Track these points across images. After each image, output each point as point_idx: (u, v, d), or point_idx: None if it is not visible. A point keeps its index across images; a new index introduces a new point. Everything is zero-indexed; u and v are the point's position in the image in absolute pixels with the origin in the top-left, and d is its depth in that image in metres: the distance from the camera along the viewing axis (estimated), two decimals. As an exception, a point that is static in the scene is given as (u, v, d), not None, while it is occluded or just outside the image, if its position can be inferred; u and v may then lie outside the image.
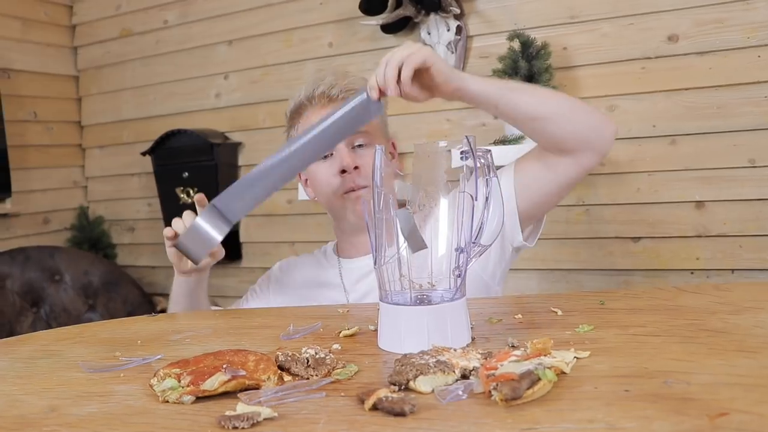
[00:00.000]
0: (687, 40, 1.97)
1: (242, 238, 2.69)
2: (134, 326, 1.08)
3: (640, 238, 2.07)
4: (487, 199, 0.89)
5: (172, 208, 2.61)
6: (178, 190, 2.62)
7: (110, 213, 3.02)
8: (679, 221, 2.01)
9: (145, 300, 2.45)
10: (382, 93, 1.06)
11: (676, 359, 0.71)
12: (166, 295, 2.79)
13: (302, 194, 2.33)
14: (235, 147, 2.70)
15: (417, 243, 0.85)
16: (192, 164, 2.59)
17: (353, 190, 1.32)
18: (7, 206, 2.63)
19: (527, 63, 1.99)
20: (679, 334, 0.81)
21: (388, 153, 1.41)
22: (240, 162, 2.72)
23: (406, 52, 1.05)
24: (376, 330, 0.93)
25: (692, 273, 2.01)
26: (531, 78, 1.98)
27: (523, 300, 1.12)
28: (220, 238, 1.10)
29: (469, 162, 0.88)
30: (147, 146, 2.71)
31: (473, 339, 0.86)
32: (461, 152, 0.89)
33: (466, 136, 0.87)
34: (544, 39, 2.06)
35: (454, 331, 0.83)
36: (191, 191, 2.61)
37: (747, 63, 1.90)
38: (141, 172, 2.90)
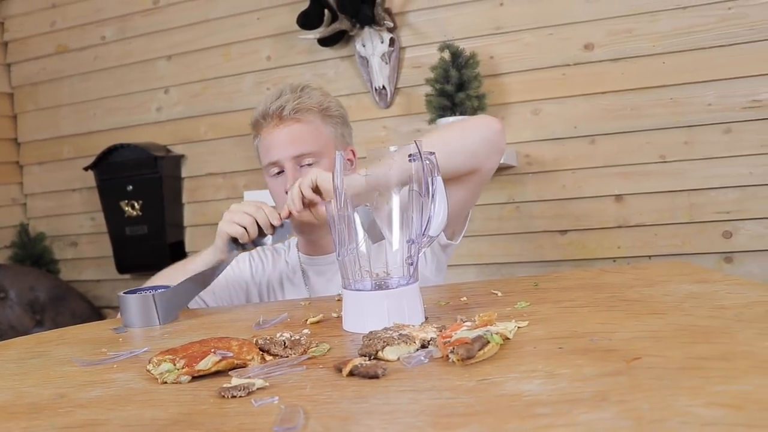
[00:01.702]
0: (601, 48, 2.15)
1: (188, 247, 2.74)
2: (110, 327, 1.14)
3: (566, 230, 2.24)
4: (433, 195, 1.01)
5: (116, 222, 2.64)
6: (123, 204, 2.65)
7: (52, 229, 3.01)
8: (601, 214, 2.19)
9: (94, 313, 2.47)
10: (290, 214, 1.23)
11: (601, 323, 0.83)
12: (113, 308, 2.82)
13: (248, 197, 2.42)
14: (178, 159, 2.74)
15: (376, 235, 0.96)
16: (136, 177, 2.63)
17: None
18: (-55, 226, 2.60)
19: (457, 72, 2.13)
20: (603, 305, 0.94)
21: (347, 161, 1.46)
22: (183, 174, 2.77)
23: (303, 182, 1.21)
24: (339, 317, 1.03)
25: (614, 261, 2.19)
26: (462, 86, 2.13)
27: (467, 286, 1.24)
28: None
29: (417, 164, 1.00)
30: (89, 161, 2.73)
31: (426, 318, 0.97)
32: (409, 155, 1.00)
33: (415, 141, 0.99)
34: (472, 49, 2.21)
35: (411, 312, 0.94)
36: (136, 204, 2.64)
37: (654, 68, 2.10)
38: (83, 187, 2.91)
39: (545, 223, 2.26)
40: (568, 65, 2.20)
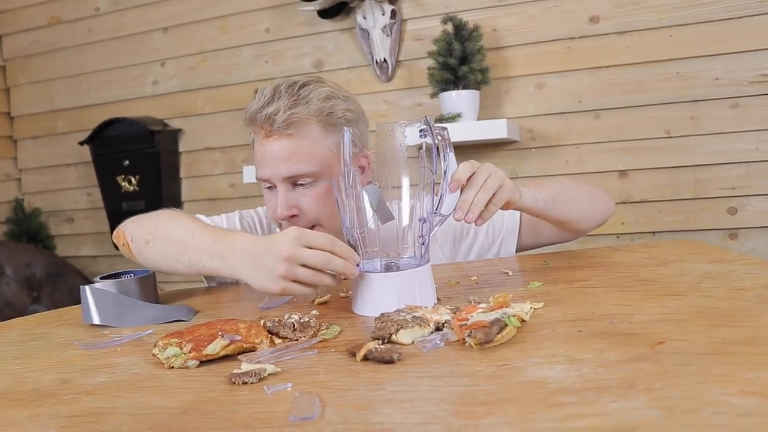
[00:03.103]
0: (607, 21, 2.11)
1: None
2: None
3: (570, 206, 2.21)
4: (445, 172, 0.98)
5: (113, 197, 2.60)
6: (120, 179, 2.61)
7: (47, 204, 2.98)
8: (605, 189, 2.14)
9: (92, 289, 2.44)
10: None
11: (617, 304, 0.82)
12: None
13: (246, 178, 2.38)
14: (175, 133, 2.70)
15: (385, 215, 0.93)
16: (133, 152, 2.59)
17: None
18: (-61, 202, 2.57)
19: (460, 45, 2.08)
20: (617, 285, 0.93)
21: (359, 168, 1.24)
22: (180, 148, 2.73)
23: (495, 182, 1.00)
24: (347, 297, 1.01)
25: (618, 237, 2.17)
26: (465, 59, 2.09)
27: (475, 264, 1.22)
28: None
29: (428, 139, 0.97)
30: (84, 135, 2.69)
31: (439, 299, 0.95)
32: (420, 130, 0.97)
33: (425, 116, 0.95)
34: (475, 21, 2.17)
35: (422, 293, 0.92)
36: (132, 179, 2.61)
37: (661, 42, 2.06)
38: (78, 162, 2.87)
39: (548, 199, 2.22)
40: (573, 38, 2.16)
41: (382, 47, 2.33)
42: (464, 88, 2.08)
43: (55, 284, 2.42)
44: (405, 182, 0.97)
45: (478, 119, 2.15)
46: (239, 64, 2.61)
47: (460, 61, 2.08)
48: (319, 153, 1.18)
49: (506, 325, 0.73)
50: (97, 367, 0.77)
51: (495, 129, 2.06)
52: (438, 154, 0.96)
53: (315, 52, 2.49)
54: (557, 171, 2.21)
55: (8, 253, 2.45)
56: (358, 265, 0.92)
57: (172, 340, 0.79)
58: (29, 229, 2.81)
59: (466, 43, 2.08)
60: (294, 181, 1.19)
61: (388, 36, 2.33)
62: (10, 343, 0.94)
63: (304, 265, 0.90)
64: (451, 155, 0.98)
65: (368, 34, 2.35)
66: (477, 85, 2.12)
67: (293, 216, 1.20)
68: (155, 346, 0.79)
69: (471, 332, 0.71)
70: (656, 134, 2.09)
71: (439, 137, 0.97)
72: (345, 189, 0.95)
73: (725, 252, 1.08)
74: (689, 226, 2.09)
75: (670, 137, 2.07)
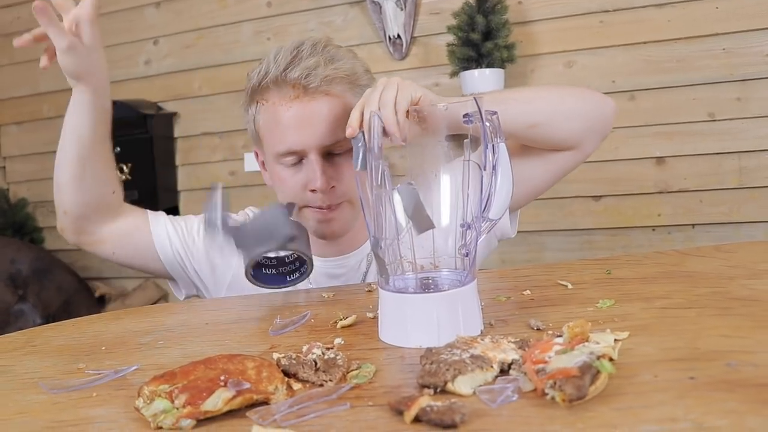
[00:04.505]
0: (645, -9, 1.96)
1: (183, 213, 2.56)
2: (92, 328, 0.94)
3: (601, 196, 2.07)
4: (494, 167, 0.80)
5: (104, 186, 2.45)
6: (111, 167, 2.45)
7: (34, 194, 2.86)
8: (640, 178, 2.03)
9: (82, 286, 2.29)
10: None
11: (724, 335, 0.66)
12: (103, 279, 2.64)
13: (248, 165, 2.23)
14: (170, 117, 2.59)
15: (423, 222, 0.74)
16: (124, 138, 2.43)
17: (321, 209, 1.10)
18: None
19: (484, 18, 1.92)
20: (711, 306, 0.76)
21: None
22: (176, 133, 2.62)
23: (392, 93, 0.90)
24: (375, 317, 0.83)
25: (653, 230, 2.03)
26: (489, 34, 1.92)
27: (522, 273, 1.05)
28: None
29: (474, 126, 0.79)
30: (72, 120, 2.52)
31: (491, 324, 0.77)
32: (464, 115, 0.79)
33: (474, 96, 0.77)
34: (498, -7, 2.00)
35: (467, 320, 0.74)
36: (124, 167, 2.46)
37: (706, 15, 1.92)
38: (66, 149, 2.71)
39: (577, 188, 2.10)
40: (607, 11, 2.02)
41: (395, 22, 2.20)
42: (488, 66, 1.93)
43: (42, 281, 2.26)
44: (444, 179, 0.80)
45: (503, 101, 1.99)
46: (239, 41, 2.50)
47: (483, 36, 1.92)
48: None
49: (598, 371, 0.56)
50: (64, 424, 0.60)
51: (521, 112, 1.90)
52: (487, 144, 0.78)
53: (321, 27, 2.38)
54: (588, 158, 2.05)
55: (-9, 247, 2.28)
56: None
57: (161, 387, 0.61)
58: (15, 221, 2.66)
59: (490, 17, 1.92)
60: (331, 150, 1.07)
61: (402, 9, 2.19)
62: (-38, 380, 0.76)
63: None
64: (503, 146, 0.80)
65: (380, 7, 2.23)
66: (502, 63, 1.98)
67: (332, 187, 1.08)
68: (139, 395, 0.61)
69: (556, 383, 0.54)
70: (698, 117, 1.96)
71: (489, 123, 0.79)
72: (372, 189, 0.77)
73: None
74: (733, 218, 1.95)
75: (714, 120, 1.94)
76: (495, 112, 0.81)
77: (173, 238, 1.18)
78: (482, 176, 0.79)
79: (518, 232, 2.12)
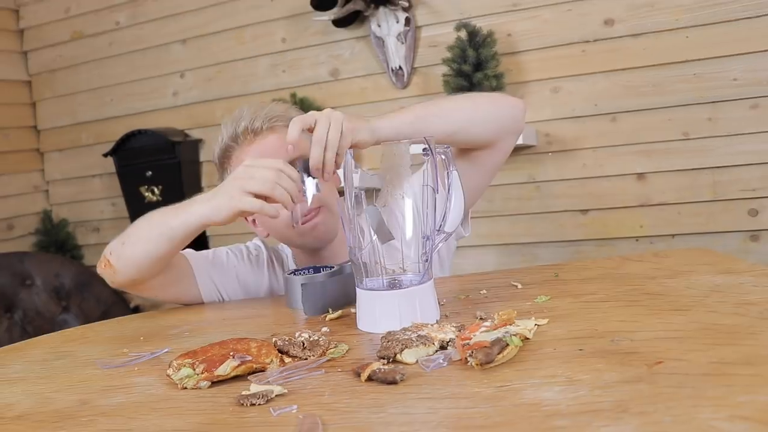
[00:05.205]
0: (622, 23, 2.10)
1: (208, 232, 2.75)
2: (132, 324, 1.16)
3: (588, 210, 2.21)
4: (448, 190, 0.99)
5: (137, 206, 2.66)
6: (143, 189, 2.67)
7: (74, 215, 3.04)
8: (623, 192, 2.16)
9: (119, 298, 2.50)
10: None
11: (622, 320, 0.82)
12: (136, 293, 2.84)
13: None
14: (196, 144, 2.75)
15: (385, 235, 0.95)
16: (155, 163, 2.64)
17: (307, 219, 1.24)
18: (-31, 215, 2.64)
19: (475, 51, 2.09)
20: (624, 299, 0.92)
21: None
22: (202, 158, 2.77)
23: (336, 133, 1.03)
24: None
25: (637, 240, 2.16)
26: (479, 65, 2.09)
27: (487, 277, 1.23)
28: None
29: (430, 158, 0.98)
30: (107, 147, 2.75)
31: (446, 316, 0.96)
32: (423, 149, 0.99)
33: (425, 137, 0.97)
34: (489, 27, 2.17)
35: (423, 311, 0.93)
36: (155, 189, 2.66)
37: (677, 43, 2.04)
38: (103, 173, 2.93)
39: (566, 203, 2.23)
40: (588, 41, 2.15)
41: (397, 55, 2.35)
42: (479, 94, 2.08)
43: (83, 294, 2.48)
44: (407, 202, 0.98)
45: (494, 125, 2.14)
46: (256, 74, 2.65)
47: (474, 67, 2.09)
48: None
49: (507, 344, 0.74)
50: (115, 388, 0.80)
51: (511, 134, 2.05)
52: (442, 173, 0.98)
53: (331, 60, 2.52)
54: (574, 175, 2.21)
55: (38, 263, 2.51)
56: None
57: (186, 360, 0.82)
58: (57, 240, 2.88)
59: (480, 50, 2.08)
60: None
61: (402, 43, 2.34)
62: (36, 362, 0.97)
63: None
64: (455, 173, 0.99)
65: (383, 42, 2.37)
66: (492, 91, 2.12)
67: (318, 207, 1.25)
68: (170, 367, 0.81)
69: (473, 352, 0.72)
70: (674, 136, 2.08)
71: (441, 156, 0.98)
72: (348, 210, 0.97)
73: (737, 262, 1.07)
74: (709, 228, 2.07)
75: (688, 139, 2.06)
76: (448, 147, 1.01)
77: (215, 279, 1.30)
78: (436, 198, 0.98)
79: (513, 244, 2.30)
